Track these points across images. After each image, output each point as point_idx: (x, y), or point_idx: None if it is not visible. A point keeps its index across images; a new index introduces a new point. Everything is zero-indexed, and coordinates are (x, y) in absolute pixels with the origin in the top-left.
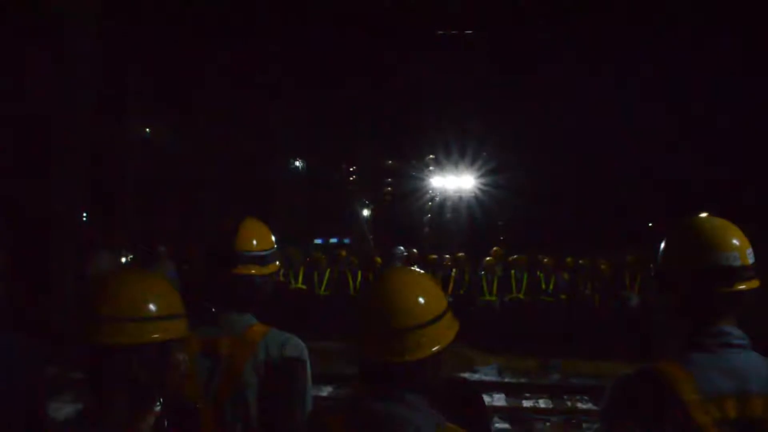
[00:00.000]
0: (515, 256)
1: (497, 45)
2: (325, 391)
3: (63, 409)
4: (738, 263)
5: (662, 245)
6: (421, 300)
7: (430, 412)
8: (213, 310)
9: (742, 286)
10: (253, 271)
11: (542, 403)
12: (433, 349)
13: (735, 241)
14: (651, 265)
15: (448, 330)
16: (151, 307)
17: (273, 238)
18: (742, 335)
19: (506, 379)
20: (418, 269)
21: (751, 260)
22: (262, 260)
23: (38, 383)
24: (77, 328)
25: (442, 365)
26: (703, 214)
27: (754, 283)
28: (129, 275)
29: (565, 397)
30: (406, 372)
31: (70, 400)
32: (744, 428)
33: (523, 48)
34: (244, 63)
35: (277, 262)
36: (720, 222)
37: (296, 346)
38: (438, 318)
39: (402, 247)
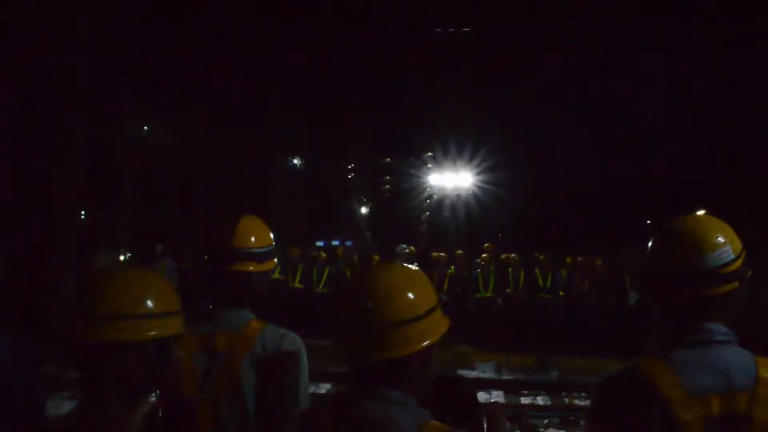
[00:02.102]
0: (513, 255)
1: (496, 42)
2: (324, 388)
3: (60, 407)
4: (723, 263)
5: (648, 247)
6: (409, 295)
7: (415, 410)
8: (210, 306)
9: (731, 287)
10: (250, 268)
11: (540, 401)
12: (420, 345)
13: (720, 240)
14: (637, 267)
15: (436, 327)
16: (148, 304)
17: (271, 236)
18: (726, 331)
19: (504, 377)
20: (407, 264)
21: (735, 259)
22: (260, 257)
23: (35, 381)
24: (74, 326)
25: (433, 362)
26: (700, 212)
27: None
28: (126, 273)
29: (563, 394)
30: (392, 369)
31: (68, 398)
32: (729, 424)
33: (521, 45)
34: (242, 60)
35: (275, 260)
36: (706, 221)
37: (293, 341)
38: (426, 314)
39: (404, 245)
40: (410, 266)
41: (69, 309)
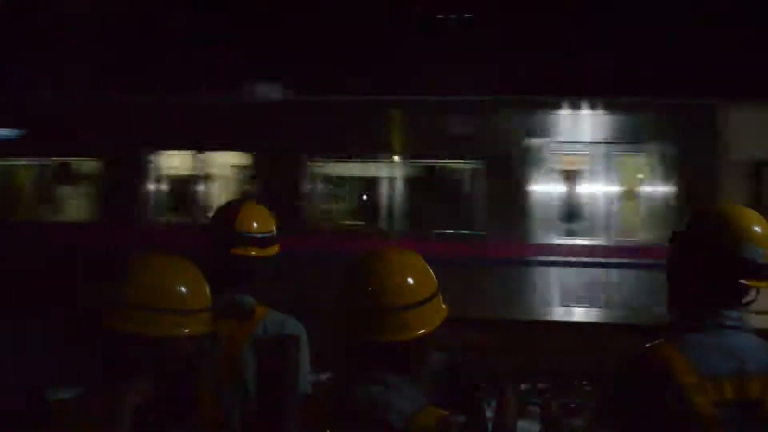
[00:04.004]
0: None
1: (499, 30)
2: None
3: (68, 391)
4: (763, 260)
5: (688, 230)
6: (410, 281)
7: (413, 394)
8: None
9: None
10: (252, 253)
11: (541, 387)
12: (419, 332)
13: (759, 231)
14: (672, 248)
15: (435, 314)
16: (187, 299)
17: (273, 222)
18: (738, 317)
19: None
20: (408, 250)
21: None
22: (262, 242)
23: (42, 365)
24: (107, 314)
25: (432, 349)
26: (729, 204)
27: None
28: (165, 264)
29: (564, 380)
30: (390, 354)
31: (78, 383)
32: (741, 409)
33: (523, 33)
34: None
35: (277, 246)
36: (753, 214)
37: (295, 326)
38: (426, 301)
39: None
40: (412, 252)
41: (103, 295)
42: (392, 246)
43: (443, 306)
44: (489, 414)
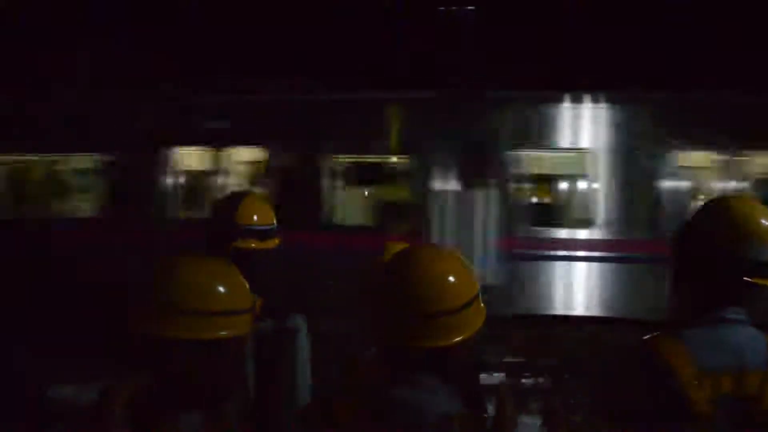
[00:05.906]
0: None
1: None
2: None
3: (68, 390)
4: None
5: (694, 226)
6: (454, 284)
7: (450, 398)
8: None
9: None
10: (252, 245)
11: (542, 382)
12: (461, 336)
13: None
14: (674, 244)
15: (475, 317)
16: (231, 300)
17: (274, 215)
18: (738, 311)
19: (506, 359)
20: (450, 250)
21: None
22: (262, 235)
23: (42, 365)
24: (138, 317)
25: (469, 351)
26: (738, 198)
27: None
28: (201, 264)
29: (566, 376)
30: (428, 358)
31: (77, 383)
32: (738, 404)
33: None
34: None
35: (277, 239)
36: (759, 208)
37: (293, 320)
38: (469, 304)
39: None
40: (452, 252)
41: (133, 297)
42: (432, 245)
43: (482, 306)
44: (489, 410)
